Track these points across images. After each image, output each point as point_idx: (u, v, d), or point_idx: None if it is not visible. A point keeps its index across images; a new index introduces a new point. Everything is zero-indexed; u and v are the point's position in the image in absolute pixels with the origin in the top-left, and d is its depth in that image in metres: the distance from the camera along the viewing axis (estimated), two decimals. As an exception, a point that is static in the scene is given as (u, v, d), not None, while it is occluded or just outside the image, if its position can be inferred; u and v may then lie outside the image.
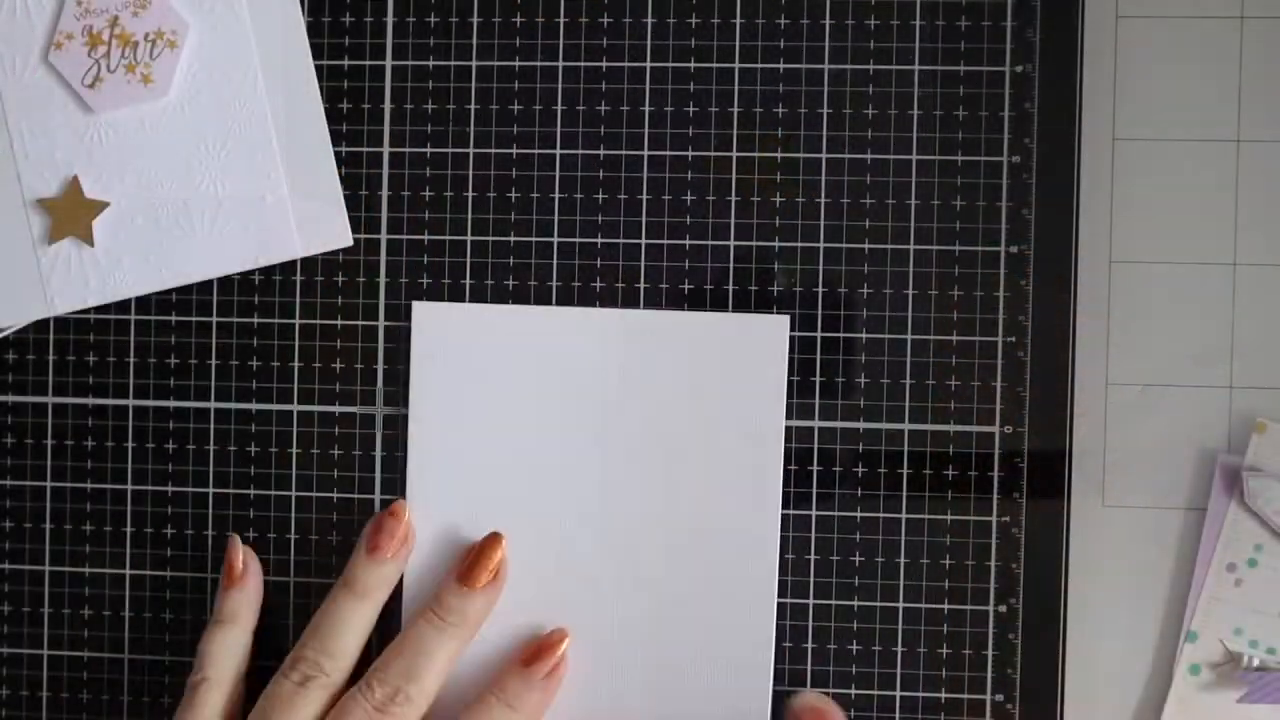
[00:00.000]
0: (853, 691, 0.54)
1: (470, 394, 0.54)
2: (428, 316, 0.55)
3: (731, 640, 0.53)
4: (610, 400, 0.54)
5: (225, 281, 0.56)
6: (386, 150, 0.56)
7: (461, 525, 0.54)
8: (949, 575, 0.54)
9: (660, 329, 0.54)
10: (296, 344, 0.56)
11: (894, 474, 0.54)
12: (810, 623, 0.54)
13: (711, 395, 0.53)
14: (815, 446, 0.54)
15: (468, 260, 0.55)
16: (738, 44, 0.54)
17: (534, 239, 0.55)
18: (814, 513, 0.54)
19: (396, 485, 0.55)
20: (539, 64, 0.55)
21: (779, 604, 0.54)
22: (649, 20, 0.55)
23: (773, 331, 0.53)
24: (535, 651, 0.52)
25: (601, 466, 0.54)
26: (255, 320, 0.56)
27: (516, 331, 0.54)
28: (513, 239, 0.55)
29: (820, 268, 0.54)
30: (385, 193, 0.55)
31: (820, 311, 0.54)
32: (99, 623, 0.56)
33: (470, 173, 0.55)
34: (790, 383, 0.54)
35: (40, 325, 0.56)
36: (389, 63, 0.56)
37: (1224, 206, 0.54)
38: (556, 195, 0.55)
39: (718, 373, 0.53)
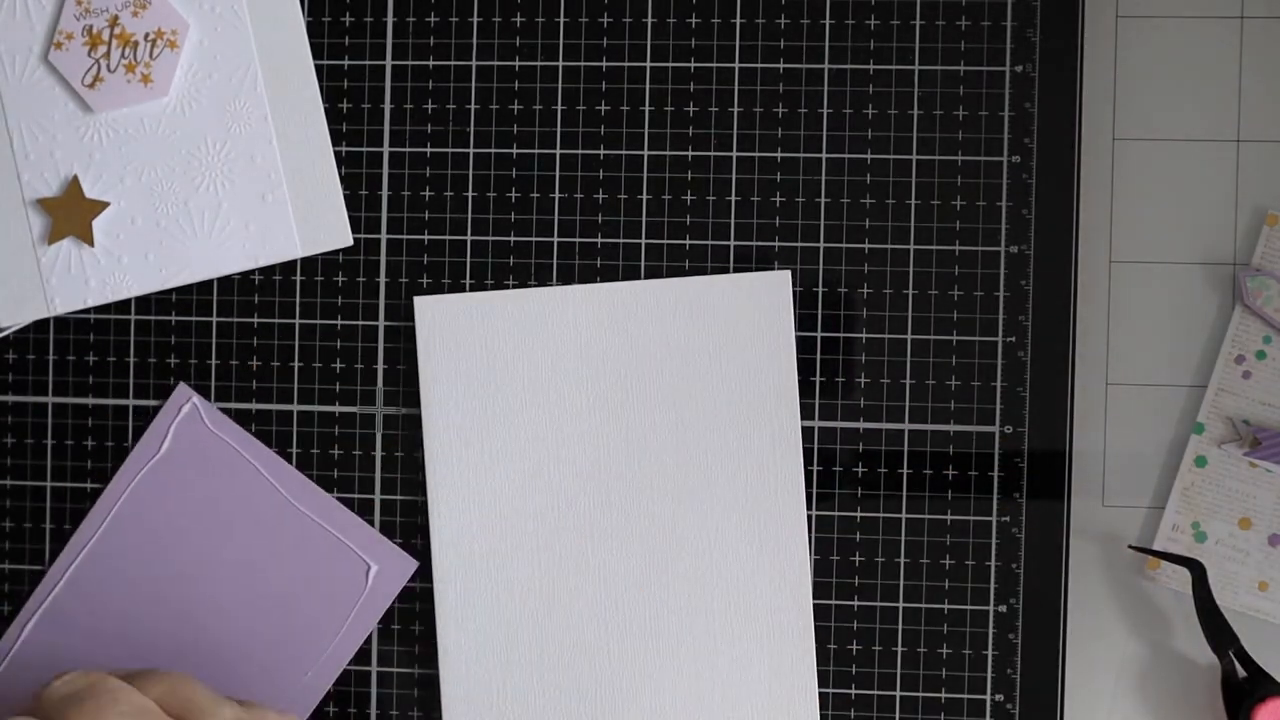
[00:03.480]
0: (853, 691, 0.54)
1: (480, 383, 0.54)
2: (429, 310, 0.55)
3: (771, 609, 0.53)
4: (620, 373, 0.54)
5: (225, 281, 0.56)
6: (386, 150, 0.56)
7: (483, 515, 0.54)
8: (949, 575, 0.54)
9: (664, 296, 0.54)
10: (296, 344, 0.56)
11: (894, 474, 0.54)
12: (811, 622, 0.54)
13: (722, 358, 0.53)
14: (815, 446, 0.54)
15: (468, 260, 0.55)
16: (738, 44, 0.54)
17: (534, 239, 0.55)
18: (814, 513, 0.54)
19: (396, 485, 0.55)
20: (539, 64, 0.55)
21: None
22: (649, 20, 0.55)
23: (776, 287, 0.53)
24: None
25: (618, 441, 0.54)
26: (255, 320, 0.56)
27: (519, 315, 0.54)
28: (513, 239, 0.55)
29: (820, 268, 0.54)
30: (385, 193, 0.55)
31: (820, 311, 0.54)
32: (99, 623, 0.56)
33: (470, 173, 0.55)
34: (790, 383, 0.54)
35: (40, 325, 0.56)
36: (389, 63, 0.56)
37: (1224, 207, 0.54)
38: (556, 195, 0.55)
39: (726, 334, 0.53)
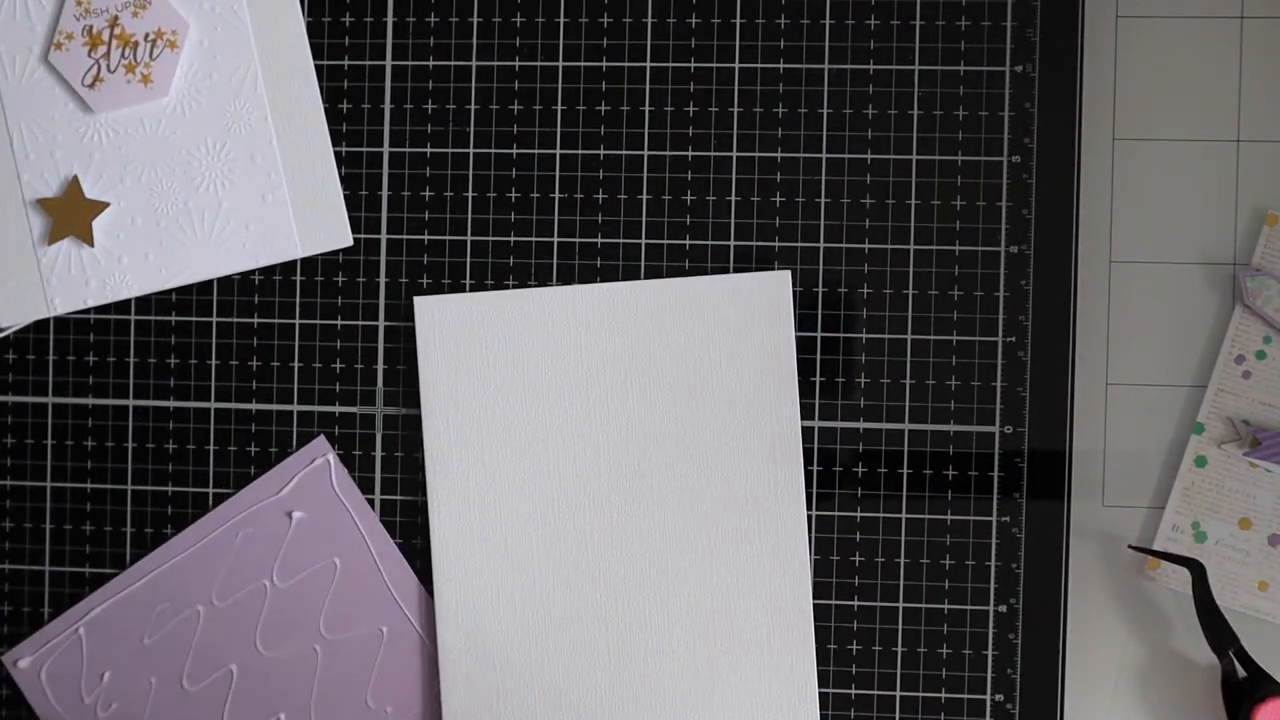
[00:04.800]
0: (853, 691, 0.54)
1: (480, 383, 0.54)
2: (429, 310, 0.55)
3: (770, 604, 0.53)
4: (620, 373, 0.54)
5: (225, 281, 0.56)
6: (386, 150, 0.56)
7: (483, 516, 0.54)
8: (949, 575, 0.54)
9: (664, 296, 0.54)
10: (296, 344, 0.56)
11: (894, 474, 0.54)
12: (811, 622, 0.54)
13: (722, 358, 0.53)
14: (815, 446, 0.54)
15: (468, 260, 0.55)
16: (738, 44, 0.54)
17: (534, 239, 0.55)
18: (814, 513, 0.54)
19: (396, 485, 0.55)
20: (539, 64, 0.55)
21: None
22: (649, 20, 0.55)
23: (776, 287, 0.54)
24: None
25: (618, 441, 0.54)
26: (255, 320, 0.56)
27: (519, 315, 0.54)
28: (513, 239, 0.55)
29: (820, 268, 0.54)
30: (385, 193, 0.55)
31: (820, 311, 0.54)
32: (99, 623, 0.56)
33: (470, 173, 0.55)
34: (790, 383, 0.54)
35: (40, 325, 0.56)
36: (389, 63, 0.56)
37: (1224, 207, 0.54)
38: (556, 195, 0.55)
39: (726, 334, 0.53)
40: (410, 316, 0.55)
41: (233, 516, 0.55)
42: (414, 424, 0.55)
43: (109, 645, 0.55)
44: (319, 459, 0.55)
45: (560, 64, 0.55)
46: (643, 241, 0.54)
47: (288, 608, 0.54)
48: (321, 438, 0.55)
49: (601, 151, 0.55)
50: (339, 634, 0.54)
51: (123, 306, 0.56)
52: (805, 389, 0.54)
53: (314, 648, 0.54)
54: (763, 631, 0.53)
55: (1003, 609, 0.53)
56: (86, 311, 0.56)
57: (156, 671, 0.54)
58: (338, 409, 0.55)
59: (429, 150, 0.55)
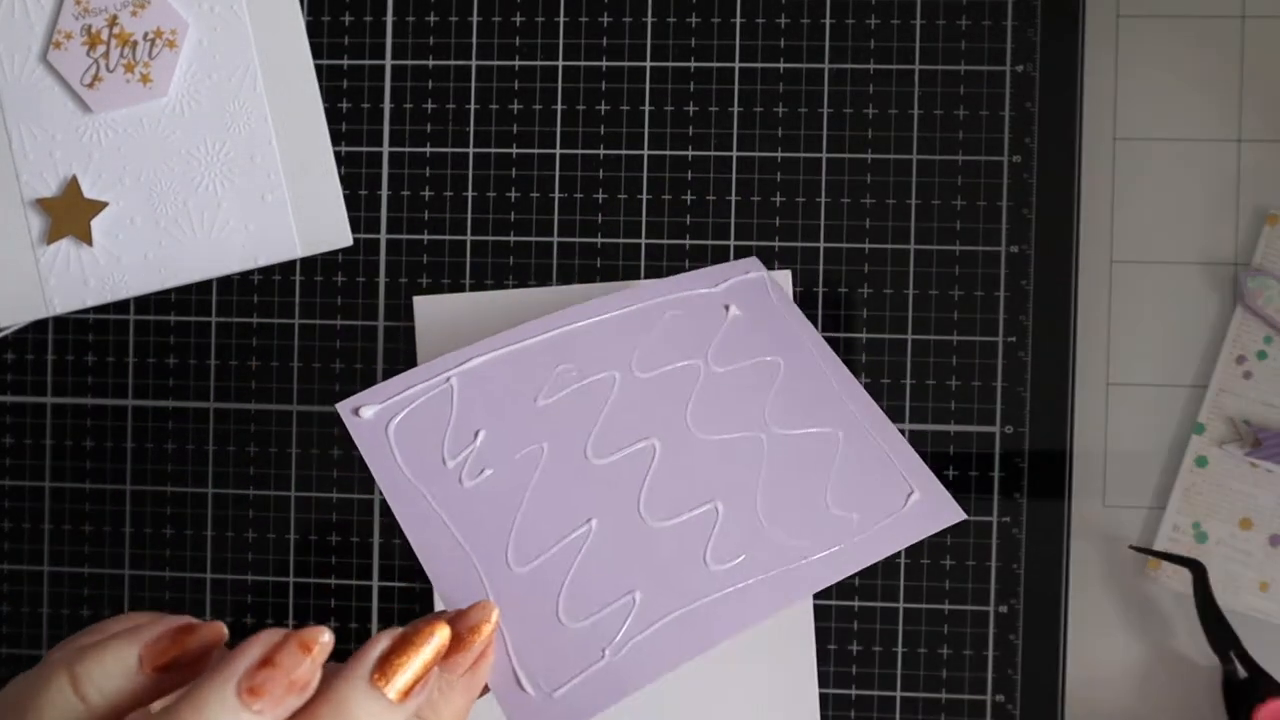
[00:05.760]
0: (853, 692, 0.54)
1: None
2: (429, 310, 0.55)
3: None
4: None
5: (225, 281, 0.56)
6: (386, 150, 0.56)
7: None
8: (949, 575, 0.54)
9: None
10: (296, 344, 0.56)
11: (894, 474, 0.54)
12: (811, 622, 0.53)
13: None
14: (815, 446, 0.54)
15: (467, 260, 0.55)
16: (738, 44, 0.54)
17: (534, 238, 0.55)
18: (814, 513, 0.54)
19: (396, 485, 0.55)
20: (539, 64, 0.55)
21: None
22: (649, 20, 0.55)
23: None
24: (454, 642, 0.36)
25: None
26: (255, 320, 0.56)
27: (519, 315, 0.54)
28: (512, 239, 0.55)
29: (820, 268, 0.54)
30: (385, 193, 0.55)
31: (820, 311, 0.54)
32: (98, 623, 0.56)
33: (470, 172, 0.55)
34: (790, 383, 0.54)
35: (40, 325, 0.56)
36: (389, 63, 0.56)
37: (1224, 207, 0.54)
38: (556, 195, 0.55)
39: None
40: (410, 316, 0.55)
41: (657, 296, 0.48)
42: (414, 424, 0.55)
43: (489, 400, 0.45)
44: (753, 273, 0.50)
45: (560, 64, 0.55)
46: (643, 241, 0.54)
47: (724, 394, 0.47)
48: (754, 257, 0.52)
49: (601, 151, 0.55)
50: (787, 429, 0.46)
51: (122, 306, 0.56)
52: (805, 389, 0.54)
53: (759, 437, 0.46)
54: (763, 631, 0.53)
55: (1003, 609, 0.53)
56: (86, 311, 0.56)
57: (551, 437, 0.45)
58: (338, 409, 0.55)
59: (429, 150, 0.55)
